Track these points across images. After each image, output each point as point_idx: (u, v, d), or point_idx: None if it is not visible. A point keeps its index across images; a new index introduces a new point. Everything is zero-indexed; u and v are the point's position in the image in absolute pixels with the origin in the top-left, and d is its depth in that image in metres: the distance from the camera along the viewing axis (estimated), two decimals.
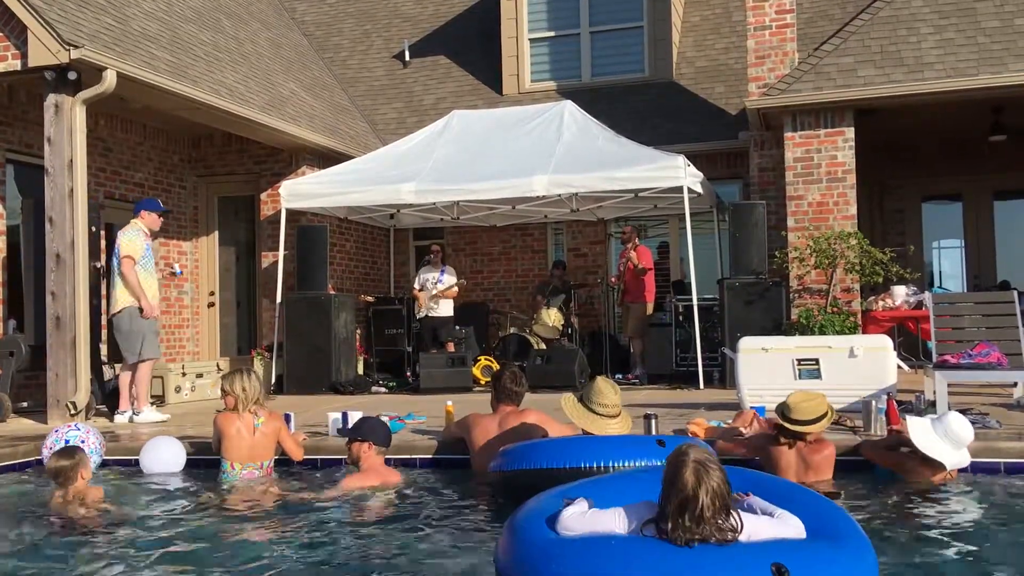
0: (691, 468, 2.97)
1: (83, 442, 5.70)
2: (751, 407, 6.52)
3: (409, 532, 4.45)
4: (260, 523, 4.80)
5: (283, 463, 6.11)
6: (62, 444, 5.60)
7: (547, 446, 5.02)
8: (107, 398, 8.69)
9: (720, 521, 2.93)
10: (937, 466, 5.10)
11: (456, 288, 11.61)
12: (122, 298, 8.12)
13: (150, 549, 4.22)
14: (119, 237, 8.23)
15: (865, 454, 5.63)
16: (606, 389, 5.27)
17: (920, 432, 5.18)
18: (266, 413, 5.95)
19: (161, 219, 8.48)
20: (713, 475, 2.95)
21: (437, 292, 11.39)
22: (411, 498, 5.24)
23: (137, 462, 6.19)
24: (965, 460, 5.22)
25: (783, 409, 5.25)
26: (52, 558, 4.13)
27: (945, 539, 4.14)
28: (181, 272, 8.48)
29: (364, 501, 5.12)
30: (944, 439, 5.11)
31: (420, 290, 11.58)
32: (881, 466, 5.50)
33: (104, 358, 9.09)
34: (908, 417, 5.44)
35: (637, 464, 4.68)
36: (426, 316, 11.48)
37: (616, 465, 4.67)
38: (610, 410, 5.25)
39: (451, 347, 11.44)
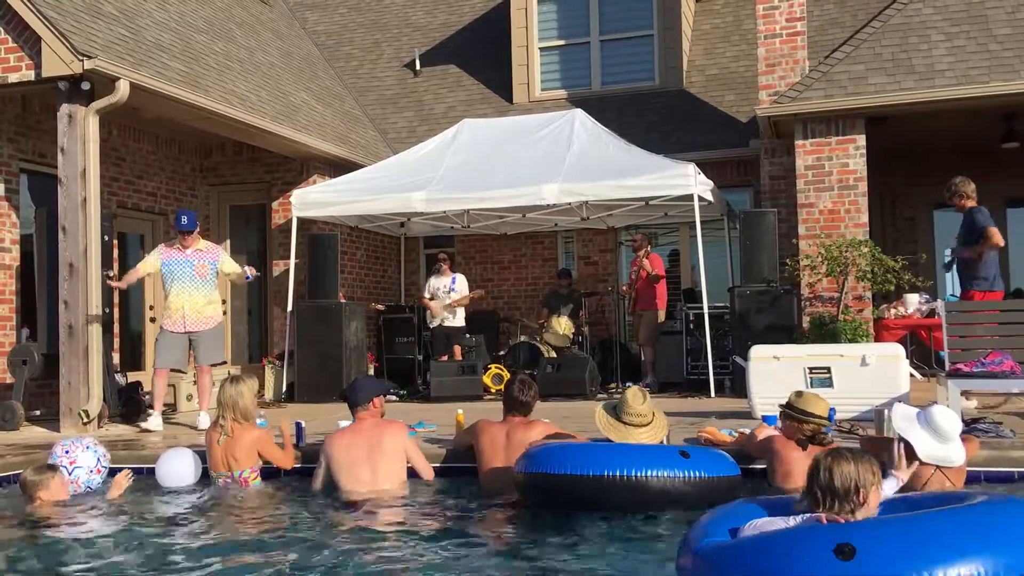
0: (834, 449, 3.50)
1: (67, 452, 5.80)
2: (763, 416, 6.50)
3: (411, 541, 4.44)
4: (202, 532, 4.83)
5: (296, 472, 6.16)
6: (54, 457, 5.78)
7: (568, 452, 5.02)
8: (123, 406, 8.73)
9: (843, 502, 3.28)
10: (912, 456, 5.02)
11: (472, 295, 11.60)
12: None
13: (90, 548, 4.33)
14: None
15: (862, 446, 5.63)
16: (631, 399, 5.34)
17: (900, 417, 5.14)
18: (234, 425, 5.88)
19: (182, 234, 8.30)
20: (842, 462, 3.32)
21: (453, 301, 11.36)
22: (416, 506, 5.23)
23: (149, 471, 6.21)
24: (955, 459, 4.97)
25: (794, 404, 5.22)
26: None
27: None
28: (251, 277, 8.45)
29: (362, 507, 5.13)
30: (928, 430, 5.04)
31: (431, 298, 11.57)
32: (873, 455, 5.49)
33: (117, 367, 9.14)
34: (895, 404, 5.40)
35: (657, 474, 4.67)
36: (439, 325, 11.47)
37: (635, 475, 4.67)
38: (634, 419, 5.30)
39: (458, 352, 11.42)
